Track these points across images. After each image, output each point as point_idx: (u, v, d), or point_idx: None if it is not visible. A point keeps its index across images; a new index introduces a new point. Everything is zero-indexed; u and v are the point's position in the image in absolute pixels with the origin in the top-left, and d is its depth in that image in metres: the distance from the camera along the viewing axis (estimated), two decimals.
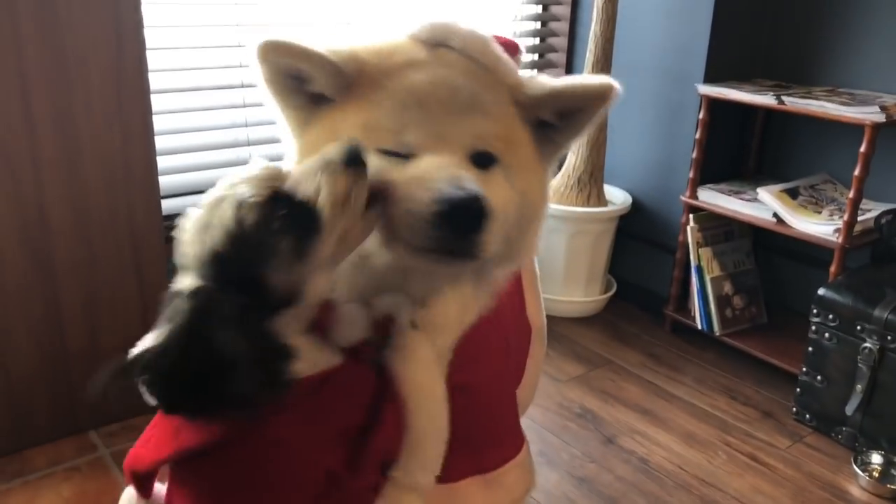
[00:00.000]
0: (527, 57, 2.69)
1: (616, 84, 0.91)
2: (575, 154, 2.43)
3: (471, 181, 0.78)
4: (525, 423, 1.88)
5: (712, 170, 2.36)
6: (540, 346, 1.22)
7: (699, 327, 2.35)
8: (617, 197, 2.55)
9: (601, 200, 2.48)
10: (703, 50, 2.29)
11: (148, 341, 0.70)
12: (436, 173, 0.78)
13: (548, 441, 1.89)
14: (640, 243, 2.61)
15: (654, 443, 1.91)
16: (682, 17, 2.33)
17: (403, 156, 0.81)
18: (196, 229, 0.74)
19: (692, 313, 2.39)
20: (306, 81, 0.85)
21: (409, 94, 0.82)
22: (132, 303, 1.81)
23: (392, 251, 0.82)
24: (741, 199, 2.22)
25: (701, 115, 2.24)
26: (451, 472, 0.93)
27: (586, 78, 0.92)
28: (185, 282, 0.74)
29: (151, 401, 0.70)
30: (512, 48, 0.94)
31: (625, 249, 2.63)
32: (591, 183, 2.44)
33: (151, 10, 1.73)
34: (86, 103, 1.62)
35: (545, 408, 2.03)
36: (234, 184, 0.74)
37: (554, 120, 0.91)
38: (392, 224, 0.79)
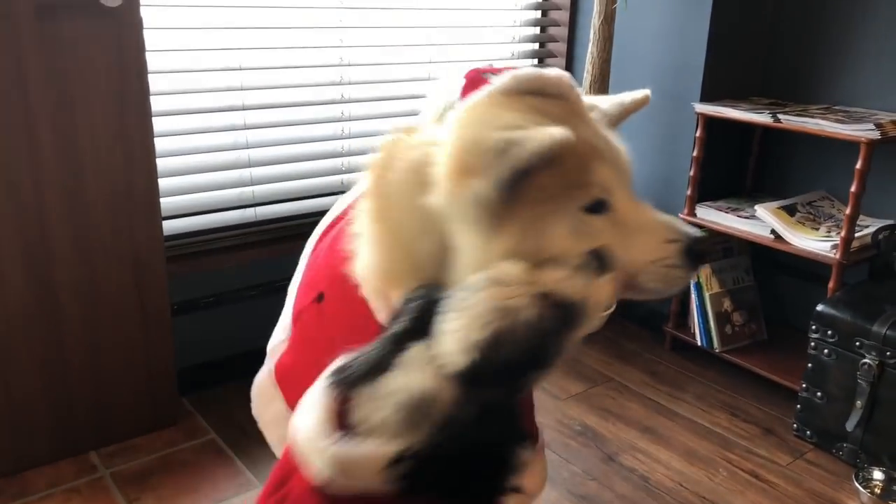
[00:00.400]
0: None
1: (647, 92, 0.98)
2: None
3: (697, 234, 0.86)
4: None
5: (710, 187, 2.37)
6: None
7: (699, 344, 2.35)
8: None
9: None
10: (700, 69, 2.31)
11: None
12: (656, 222, 0.86)
13: (548, 458, 1.88)
14: None
15: (655, 460, 1.90)
16: (678, 38, 2.36)
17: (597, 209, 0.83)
18: (481, 332, 0.70)
19: (692, 330, 2.39)
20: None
21: (593, 148, 0.83)
22: (133, 323, 1.82)
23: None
24: (739, 216, 2.24)
25: (698, 134, 2.26)
26: None
27: (635, 93, 0.97)
28: (454, 361, 0.70)
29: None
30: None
31: None
32: None
33: (153, 34, 1.75)
34: (89, 126, 1.64)
35: (545, 425, 2.02)
36: (509, 289, 0.72)
37: None
38: (633, 281, 0.85)
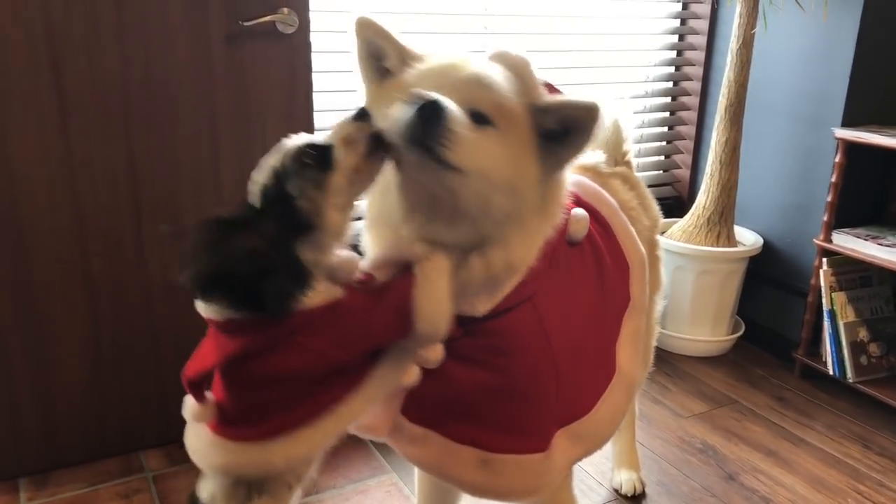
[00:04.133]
0: (659, 100, 2.76)
1: (601, 105, 1.04)
2: (705, 194, 2.47)
3: (439, 97, 0.96)
4: (644, 453, 1.94)
5: (849, 214, 2.33)
6: (641, 279, 1.30)
7: (831, 373, 2.30)
8: (748, 238, 2.55)
9: (731, 241, 2.49)
10: (842, 94, 2.28)
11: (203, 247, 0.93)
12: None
13: (667, 472, 1.92)
14: (770, 286, 2.59)
15: (778, 483, 1.89)
16: (820, 62, 2.34)
17: None
18: (255, 179, 0.99)
19: (824, 359, 2.34)
20: (382, 59, 1.09)
21: (436, 65, 1.04)
22: None
23: (397, 173, 1.02)
24: (879, 244, 2.18)
25: (837, 159, 2.23)
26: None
27: (581, 95, 1.07)
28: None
29: (195, 291, 0.93)
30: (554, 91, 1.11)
31: (754, 291, 2.62)
32: (720, 223, 2.46)
33: (319, 56, 1.96)
34: (261, 137, 1.86)
35: (665, 440, 2.06)
36: (280, 146, 0.99)
37: (558, 129, 1.05)
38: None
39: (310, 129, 1.92)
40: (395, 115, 0.95)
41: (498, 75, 1.03)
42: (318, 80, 1.94)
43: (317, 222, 0.95)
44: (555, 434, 1.14)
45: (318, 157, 0.95)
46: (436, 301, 1.00)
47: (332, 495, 1.79)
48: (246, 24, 1.73)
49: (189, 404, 0.99)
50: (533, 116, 1.04)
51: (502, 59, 1.07)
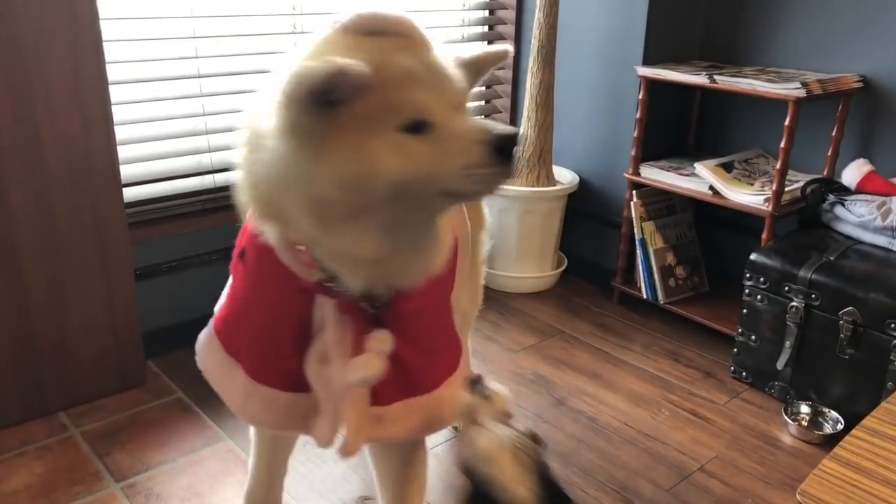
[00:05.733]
0: (477, 44, 2.79)
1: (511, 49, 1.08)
2: (523, 136, 2.54)
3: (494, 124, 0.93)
4: None
5: (654, 148, 2.49)
6: (465, 254, 1.31)
7: (645, 297, 2.48)
8: (565, 177, 2.67)
9: (550, 180, 2.59)
10: (642, 34, 2.41)
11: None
12: (467, 128, 0.91)
13: None
14: (588, 220, 2.73)
15: (602, 403, 2.03)
16: (620, 4, 2.45)
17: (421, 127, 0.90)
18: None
19: (638, 284, 2.52)
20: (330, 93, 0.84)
21: (411, 75, 0.89)
22: (98, 288, 1.87)
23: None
24: (680, 174, 2.36)
25: (641, 96, 2.37)
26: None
27: (494, 46, 1.08)
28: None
29: None
30: None
31: (574, 227, 2.75)
32: (539, 164, 2.55)
33: (106, 2, 1.78)
34: (45, 93, 1.68)
35: (499, 375, 2.14)
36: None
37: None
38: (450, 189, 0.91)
39: (101, 83, 1.76)
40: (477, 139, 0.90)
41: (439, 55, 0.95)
42: (107, 28, 1.77)
43: None
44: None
45: None
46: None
47: (164, 470, 1.70)
48: None
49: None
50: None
51: (388, 29, 0.92)
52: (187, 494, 1.63)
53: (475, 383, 1.17)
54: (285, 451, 1.41)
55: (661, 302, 2.45)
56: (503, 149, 0.90)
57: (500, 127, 0.91)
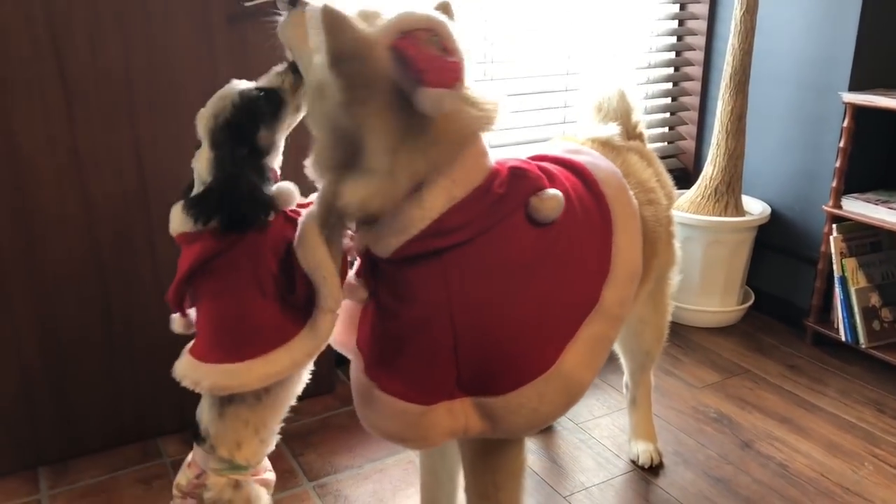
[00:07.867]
0: (662, 71, 2.74)
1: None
2: (712, 164, 2.46)
3: None
4: (658, 423, 1.94)
5: (858, 180, 2.32)
6: (623, 288, 1.19)
7: (843, 340, 2.30)
8: (755, 208, 2.54)
9: (739, 210, 2.48)
10: (849, 59, 2.26)
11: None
12: None
13: (683, 442, 1.93)
14: (779, 254, 2.58)
15: (793, 450, 1.90)
16: (824, 28, 2.32)
17: None
18: (208, 115, 1.13)
19: (835, 325, 2.34)
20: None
21: None
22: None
23: None
24: (889, 207, 2.17)
25: (845, 124, 2.21)
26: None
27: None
28: (204, 151, 1.14)
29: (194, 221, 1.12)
30: None
31: (763, 260, 2.61)
32: (728, 193, 2.45)
33: None
34: None
35: (679, 410, 2.06)
36: (230, 89, 1.15)
37: None
38: None
39: None
40: None
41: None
42: None
43: (271, 151, 1.17)
44: (456, 397, 1.11)
45: (272, 97, 1.14)
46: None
47: (351, 474, 1.80)
48: (247, 3, 1.72)
49: (173, 318, 1.20)
50: None
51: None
52: (372, 500, 1.71)
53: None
54: (447, 464, 1.45)
55: (863, 346, 2.25)
56: None
57: None
